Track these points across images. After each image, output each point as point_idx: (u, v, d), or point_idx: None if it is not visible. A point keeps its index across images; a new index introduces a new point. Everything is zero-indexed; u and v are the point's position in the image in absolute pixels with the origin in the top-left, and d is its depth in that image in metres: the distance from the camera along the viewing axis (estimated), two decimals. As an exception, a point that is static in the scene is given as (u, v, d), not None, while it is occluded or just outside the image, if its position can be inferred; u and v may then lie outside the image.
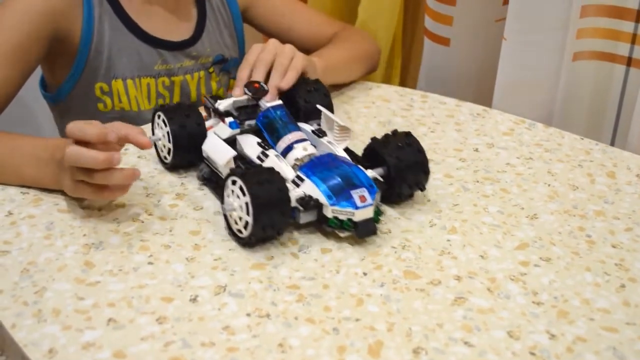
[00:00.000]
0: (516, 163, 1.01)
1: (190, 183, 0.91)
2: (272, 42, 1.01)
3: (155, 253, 0.78)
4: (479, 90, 1.36)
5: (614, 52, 1.19)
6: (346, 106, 1.15)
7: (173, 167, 0.92)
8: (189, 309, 0.70)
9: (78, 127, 0.78)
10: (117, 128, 0.80)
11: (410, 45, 1.60)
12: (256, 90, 0.94)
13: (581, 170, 0.99)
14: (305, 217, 0.80)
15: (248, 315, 0.70)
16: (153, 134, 0.92)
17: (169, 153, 0.91)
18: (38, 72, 1.13)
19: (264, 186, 0.75)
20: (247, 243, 0.78)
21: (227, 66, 1.23)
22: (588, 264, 0.79)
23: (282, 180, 0.78)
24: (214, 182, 0.88)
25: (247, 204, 0.75)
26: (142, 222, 0.83)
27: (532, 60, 1.21)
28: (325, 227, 0.80)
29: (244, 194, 0.75)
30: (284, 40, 1.25)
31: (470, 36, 1.36)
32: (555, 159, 1.02)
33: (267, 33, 1.28)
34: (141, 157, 0.97)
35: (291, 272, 0.76)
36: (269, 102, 0.93)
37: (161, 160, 0.94)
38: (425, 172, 0.87)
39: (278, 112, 0.90)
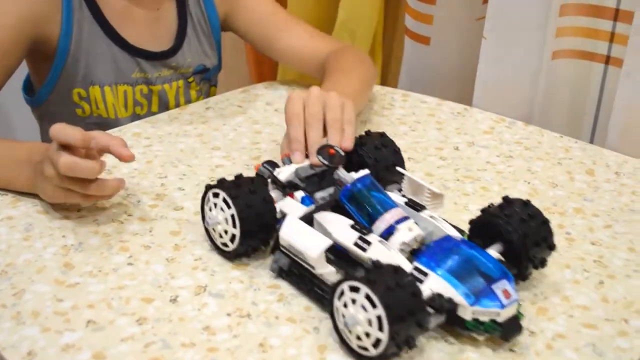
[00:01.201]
0: (496, 161, 1.01)
1: (170, 184, 0.91)
2: (315, 91, 0.88)
3: (135, 254, 0.78)
4: (460, 88, 1.36)
5: (593, 51, 1.20)
6: (327, 105, 1.15)
7: (236, 255, 0.77)
8: (169, 309, 0.70)
9: (62, 129, 0.77)
10: (100, 137, 0.78)
11: (391, 44, 1.60)
12: (332, 158, 0.79)
13: (561, 168, 1.00)
14: (434, 320, 0.66)
15: (228, 315, 0.69)
16: (203, 216, 0.78)
17: (232, 240, 0.75)
18: (20, 77, 1.13)
19: (396, 293, 0.60)
20: None
21: (208, 75, 1.23)
22: (567, 261, 0.80)
23: (413, 280, 0.63)
24: (296, 276, 0.73)
25: (379, 317, 0.60)
26: (122, 222, 0.83)
27: (512, 58, 1.21)
28: (460, 330, 0.67)
29: (373, 306, 0.60)
30: (265, 49, 1.24)
31: (451, 35, 1.37)
32: (535, 157, 1.03)
33: (248, 41, 1.26)
34: (121, 157, 0.96)
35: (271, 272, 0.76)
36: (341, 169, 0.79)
37: (217, 248, 0.78)
38: (551, 248, 0.74)
39: (367, 185, 0.75)
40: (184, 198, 0.88)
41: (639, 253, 0.82)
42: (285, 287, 0.74)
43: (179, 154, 0.99)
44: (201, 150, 1.00)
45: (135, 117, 1.14)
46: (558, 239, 0.83)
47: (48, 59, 1.08)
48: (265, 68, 1.76)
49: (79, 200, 0.81)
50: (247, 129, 1.07)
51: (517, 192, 0.93)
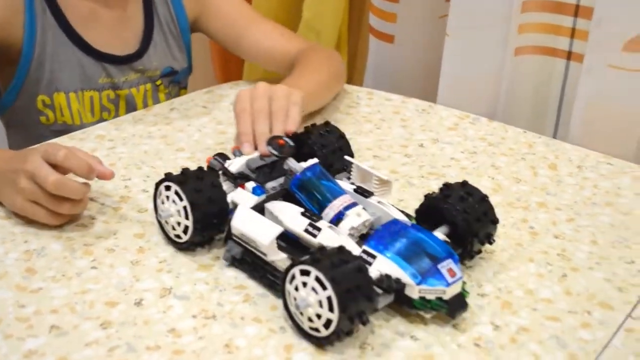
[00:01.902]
0: (461, 157, 1.02)
1: (134, 186, 0.90)
2: (261, 85, 0.92)
3: (99, 257, 0.77)
4: (424, 86, 1.37)
5: (555, 47, 1.21)
6: (292, 105, 1.15)
7: (192, 245, 0.77)
8: (134, 312, 0.69)
9: (71, 157, 0.77)
10: (80, 157, 0.78)
11: (356, 43, 1.60)
12: (282, 148, 0.81)
13: (524, 163, 1.01)
14: (383, 300, 0.68)
15: (194, 317, 0.69)
16: (156, 210, 0.79)
17: (185, 231, 0.76)
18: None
19: (341, 268, 0.63)
20: (329, 341, 0.65)
21: (177, 78, 1.22)
22: (531, 254, 0.81)
23: (357, 257, 0.66)
24: (249, 264, 0.75)
25: (329, 298, 0.62)
26: (86, 226, 0.82)
27: (475, 55, 1.22)
28: (407, 308, 0.69)
29: (323, 288, 0.62)
30: (235, 49, 1.23)
31: (415, 33, 1.37)
32: (499, 153, 1.03)
33: (218, 41, 1.26)
34: (84, 160, 0.95)
35: (237, 272, 0.75)
36: (291, 158, 0.80)
37: (173, 242, 0.78)
38: (494, 222, 0.76)
39: (316, 174, 0.77)
40: (148, 200, 0.87)
41: (601, 245, 0.83)
42: (251, 288, 0.73)
43: (143, 156, 0.98)
44: (165, 152, 0.99)
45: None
46: (522, 233, 0.84)
47: (12, 64, 1.06)
48: (231, 68, 1.75)
49: (44, 218, 0.79)
50: (211, 129, 1.07)
51: (481, 188, 0.92)
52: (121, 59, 1.13)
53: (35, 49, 1.06)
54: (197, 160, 0.98)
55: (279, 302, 0.71)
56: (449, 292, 0.68)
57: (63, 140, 1.01)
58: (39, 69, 1.07)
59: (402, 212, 0.77)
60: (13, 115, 1.13)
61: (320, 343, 0.66)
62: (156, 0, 1.17)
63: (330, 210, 0.74)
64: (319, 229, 0.71)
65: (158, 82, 1.19)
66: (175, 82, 1.22)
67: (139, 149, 1.00)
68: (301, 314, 0.65)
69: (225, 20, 1.22)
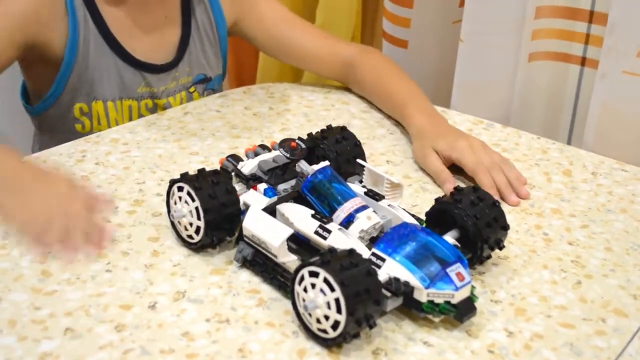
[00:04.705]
0: (474, 163, 1.01)
1: (148, 189, 0.91)
2: (479, 143, 0.97)
3: (113, 260, 0.77)
4: (438, 91, 1.37)
5: (569, 53, 1.21)
6: (306, 109, 1.15)
7: (202, 247, 0.78)
8: (148, 316, 0.70)
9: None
10: None
11: (369, 47, 1.60)
12: (293, 151, 0.82)
13: (538, 169, 1.01)
14: (392, 304, 0.69)
15: (207, 320, 0.69)
16: (169, 210, 0.80)
17: (197, 232, 0.77)
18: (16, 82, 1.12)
19: (350, 271, 0.63)
20: (336, 343, 0.66)
21: (211, 85, 1.22)
22: (545, 261, 0.80)
23: (366, 260, 0.66)
24: (260, 265, 0.75)
25: (337, 300, 0.63)
26: (100, 229, 0.82)
27: (488, 61, 1.22)
28: (416, 312, 0.69)
29: (331, 289, 0.63)
30: (279, 53, 1.22)
31: (428, 38, 1.37)
32: (512, 159, 1.03)
33: (258, 45, 1.25)
34: (99, 163, 0.96)
35: (251, 276, 0.76)
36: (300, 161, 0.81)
37: (184, 241, 0.79)
38: (504, 228, 0.77)
39: (327, 176, 0.78)
40: (162, 204, 0.87)
41: (615, 253, 0.82)
42: (265, 292, 0.74)
43: (157, 160, 0.98)
44: (179, 156, 1.00)
45: None
46: (535, 239, 0.84)
47: (50, 72, 1.06)
48: (244, 73, 1.76)
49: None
50: (225, 133, 1.07)
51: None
52: (160, 67, 1.13)
53: (77, 57, 1.05)
54: (210, 164, 0.98)
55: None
56: (458, 296, 0.68)
57: (78, 143, 1.01)
58: (79, 78, 1.07)
59: (413, 215, 0.77)
60: (46, 120, 1.12)
61: (327, 344, 0.66)
62: (195, 7, 1.16)
63: (341, 213, 0.75)
64: (329, 231, 0.72)
65: (191, 90, 1.19)
66: (210, 89, 1.22)
67: (153, 153, 1.00)
68: (309, 315, 0.66)
69: (268, 25, 1.21)
